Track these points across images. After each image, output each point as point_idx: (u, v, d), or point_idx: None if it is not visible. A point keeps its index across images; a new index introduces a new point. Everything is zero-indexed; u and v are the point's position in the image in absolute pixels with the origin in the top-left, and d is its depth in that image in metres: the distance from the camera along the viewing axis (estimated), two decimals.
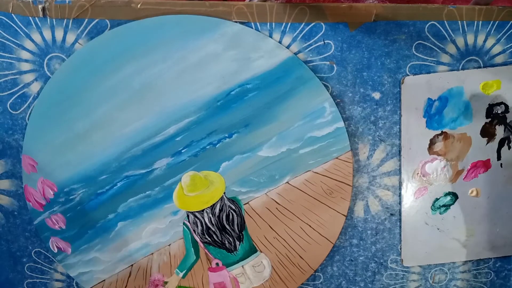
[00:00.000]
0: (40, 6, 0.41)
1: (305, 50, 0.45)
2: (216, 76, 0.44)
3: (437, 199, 0.49)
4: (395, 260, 0.51)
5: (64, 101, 0.44)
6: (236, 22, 0.43)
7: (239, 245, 0.49)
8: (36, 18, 0.42)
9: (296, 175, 0.47)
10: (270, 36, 0.44)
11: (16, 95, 0.44)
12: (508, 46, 0.46)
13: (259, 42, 0.44)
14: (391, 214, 0.50)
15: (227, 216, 0.48)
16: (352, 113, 0.47)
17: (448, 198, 0.49)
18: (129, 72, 0.43)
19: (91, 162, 0.45)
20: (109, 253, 0.48)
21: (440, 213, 0.50)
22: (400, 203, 0.49)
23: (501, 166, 0.49)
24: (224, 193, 0.47)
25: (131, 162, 0.45)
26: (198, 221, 0.48)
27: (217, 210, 0.48)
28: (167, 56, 0.43)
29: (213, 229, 0.48)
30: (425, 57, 0.45)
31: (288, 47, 0.44)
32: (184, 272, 0.49)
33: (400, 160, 0.48)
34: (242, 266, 0.49)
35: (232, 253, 0.49)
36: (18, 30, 0.42)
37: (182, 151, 0.46)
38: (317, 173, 0.47)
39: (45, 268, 0.49)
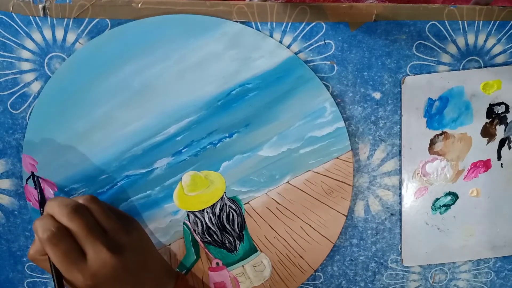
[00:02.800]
0: (40, 6, 0.41)
1: (306, 50, 0.45)
2: (216, 75, 0.44)
3: (437, 199, 0.49)
4: (395, 260, 0.51)
5: (65, 100, 0.44)
6: (236, 21, 0.43)
7: (239, 244, 0.49)
8: (37, 17, 0.42)
9: (297, 174, 0.47)
10: (271, 36, 0.44)
11: (16, 95, 0.44)
12: (509, 46, 0.46)
13: (259, 42, 0.44)
14: (391, 214, 0.50)
15: (228, 215, 0.48)
16: (353, 113, 0.47)
17: (449, 198, 0.49)
18: (129, 71, 0.43)
19: (91, 162, 0.45)
20: None
21: (441, 213, 0.50)
22: (400, 203, 0.49)
23: (502, 166, 0.49)
24: (225, 192, 0.47)
25: (131, 161, 0.45)
26: (198, 220, 0.48)
27: (217, 210, 0.48)
28: (167, 55, 0.43)
29: (214, 229, 0.48)
30: (426, 57, 0.46)
31: (288, 46, 0.44)
32: (184, 271, 0.49)
33: (400, 160, 0.48)
34: (243, 265, 0.49)
35: (233, 253, 0.49)
36: (19, 29, 0.42)
37: (183, 150, 0.46)
38: (318, 173, 0.47)
39: None
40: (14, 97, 0.44)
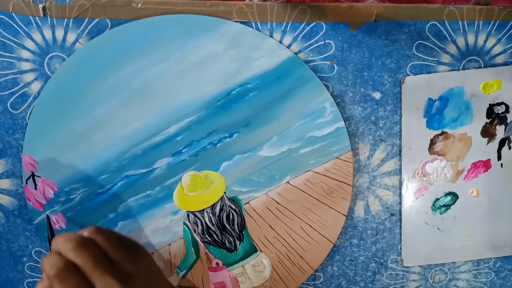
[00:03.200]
0: (40, 6, 0.41)
1: (306, 50, 0.45)
2: (216, 75, 0.44)
3: (437, 199, 0.49)
4: (395, 260, 0.51)
5: (65, 100, 0.44)
6: (236, 21, 0.43)
7: (239, 244, 0.49)
8: (37, 17, 0.42)
9: (297, 174, 0.47)
10: (271, 36, 0.44)
11: (16, 95, 0.44)
12: (509, 46, 0.46)
13: (259, 42, 0.44)
14: (391, 214, 0.50)
15: (227, 215, 0.48)
16: (353, 113, 0.47)
17: (449, 198, 0.49)
18: (129, 71, 0.43)
19: (91, 162, 0.45)
20: None
21: (441, 213, 0.50)
22: (400, 203, 0.49)
23: (502, 166, 0.49)
24: (225, 192, 0.47)
25: (131, 161, 0.45)
26: (198, 220, 0.48)
27: (217, 210, 0.48)
28: (167, 55, 0.43)
29: (213, 229, 0.48)
30: (426, 57, 0.45)
31: (288, 46, 0.44)
32: (184, 272, 0.49)
33: (400, 160, 0.48)
34: (243, 265, 0.49)
35: (233, 253, 0.49)
36: (19, 29, 0.42)
37: (183, 150, 0.46)
38: (318, 173, 0.47)
39: None
40: (14, 97, 0.44)
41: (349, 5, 0.43)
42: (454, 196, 0.49)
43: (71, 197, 0.46)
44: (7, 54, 0.43)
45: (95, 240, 0.38)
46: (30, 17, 0.42)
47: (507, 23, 0.45)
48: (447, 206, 0.50)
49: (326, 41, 0.44)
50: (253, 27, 0.44)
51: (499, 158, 0.49)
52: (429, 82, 0.46)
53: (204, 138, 0.46)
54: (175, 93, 0.44)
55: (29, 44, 0.43)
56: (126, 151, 0.45)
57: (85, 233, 0.38)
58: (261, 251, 0.49)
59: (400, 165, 0.48)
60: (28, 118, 0.44)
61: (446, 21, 0.44)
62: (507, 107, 0.47)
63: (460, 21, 0.45)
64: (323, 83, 0.45)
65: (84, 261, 0.36)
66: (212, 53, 0.44)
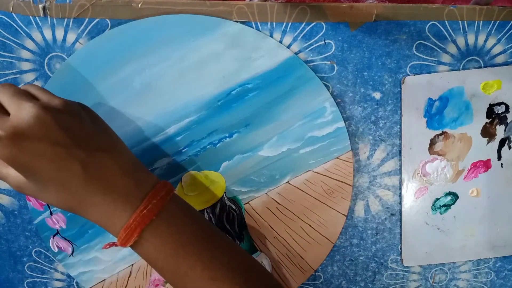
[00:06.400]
0: (40, 6, 0.41)
1: (306, 50, 0.45)
2: (216, 75, 0.44)
3: (437, 199, 0.49)
4: (395, 260, 0.51)
5: None
6: (236, 21, 0.43)
7: (239, 244, 0.49)
8: (37, 17, 0.42)
9: (297, 174, 0.47)
10: (271, 36, 0.44)
11: None
12: (509, 46, 0.46)
13: (259, 42, 0.44)
14: (392, 214, 0.50)
15: (228, 215, 0.48)
16: (353, 113, 0.47)
17: (449, 198, 0.49)
18: (130, 71, 0.43)
19: None
20: (109, 253, 0.48)
21: (441, 213, 0.50)
22: (400, 203, 0.49)
23: (502, 166, 0.49)
24: (225, 192, 0.47)
25: None
26: None
27: (217, 210, 0.48)
28: (167, 55, 0.43)
29: None
30: (426, 57, 0.46)
31: (288, 46, 0.44)
32: None
33: (400, 160, 0.48)
34: None
35: None
36: (19, 29, 0.42)
37: (183, 150, 0.46)
38: (318, 173, 0.47)
39: (45, 268, 0.49)
40: None
41: (349, 5, 0.43)
42: (454, 196, 0.49)
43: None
44: (7, 54, 0.43)
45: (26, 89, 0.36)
46: (30, 17, 0.42)
47: (507, 23, 0.45)
48: (447, 206, 0.50)
49: (326, 41, 0.44)
50: (253, 27, 0.44)
51: (499, 158, 0.49)
52: (429, 82, 0.46)
53: (204, 138, 0.46)
54: (175, 93, 0.44)
55: (29, 44, 0.43)
56: None
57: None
58: (261, 251, 0.49)
59: (400, 165, 0.48)
60: None
61: (446, 21, 0.44)
62: (507, 107, 0.47)
63: (460, 21, 0.45)
64: (323, 83, 0.45)
65: (1, 93, 0.34)
66: (212, 53, 0.44)
